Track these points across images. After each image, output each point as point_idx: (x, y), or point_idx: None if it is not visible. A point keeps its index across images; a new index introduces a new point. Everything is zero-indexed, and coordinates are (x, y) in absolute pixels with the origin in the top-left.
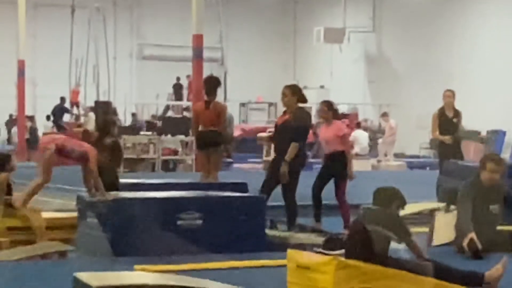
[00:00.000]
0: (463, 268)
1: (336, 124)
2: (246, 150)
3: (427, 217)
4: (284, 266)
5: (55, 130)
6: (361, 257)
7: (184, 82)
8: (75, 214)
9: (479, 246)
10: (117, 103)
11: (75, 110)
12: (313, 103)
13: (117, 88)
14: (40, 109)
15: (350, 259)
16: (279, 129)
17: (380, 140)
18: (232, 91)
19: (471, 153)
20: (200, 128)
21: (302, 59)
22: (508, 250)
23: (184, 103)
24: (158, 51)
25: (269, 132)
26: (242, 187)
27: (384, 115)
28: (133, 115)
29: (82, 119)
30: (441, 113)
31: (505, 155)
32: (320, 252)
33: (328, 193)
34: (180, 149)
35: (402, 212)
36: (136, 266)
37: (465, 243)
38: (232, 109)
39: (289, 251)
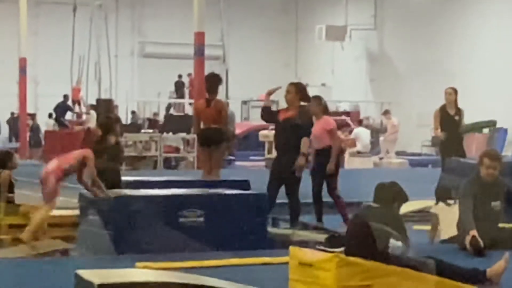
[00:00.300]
0: (466, 266)
1: (324, 119)
2: (248, 147)
3: (428, 215)
4: (286, 263)
5: (57, 128)
6: (362, 254)
7: (186, 80)
8: (77, 212)
9: (481, 243)
10: (119, 101)
11: (76, 108)
12: None
13: (118, 86)
14: (42, 107)
15: (350, 255)
16: (282, 125)
17: (382, 138)
18: (233, 89)
19: (473, 150)
20: (201, 126)
21: (303, 57)
22: (511, 247)
23: (187, 100)
24: (160, 49)
25: (271, 130)
26: (244, 184)
27: (386, 113)
28: (133, 113)
29: (84, 117)
30: (443, 110)
31: (507, 153)
32: (322, 250)
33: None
34: (182, 147)
35: (402, 210)
36: (138, 264)
37: (467, 240)
38: (234, 107)
39: (291, 248)
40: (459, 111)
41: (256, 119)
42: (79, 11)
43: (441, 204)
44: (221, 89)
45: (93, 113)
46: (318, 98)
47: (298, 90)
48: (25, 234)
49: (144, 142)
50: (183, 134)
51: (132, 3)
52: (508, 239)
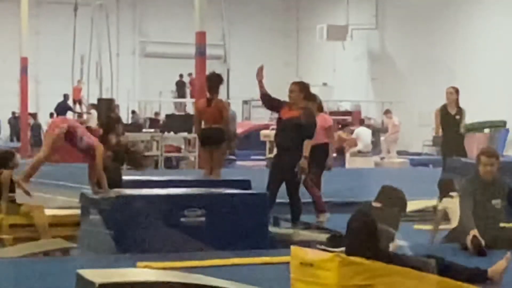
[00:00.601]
0: (467, 265)
1: (321, 116)
2: (249, 147)
3: (429, 215)
4: (288, 263)
5: None
6: (365, 252)
7: (187, 79)
8: (78, 211)
9: (483, 243)
10: (120, 100)
11: (77, 108)
12: None
13: (120, 86)
14: (43, 106)
15: (352, 253)
16: (284, 124)
17: (383, 138)
18: (234, 88)
19: (474, 150)
20: (202, 126)
21: (305, 56)
22: None
23: (188, 100)
24: (161, 49)
25: (272, 129)
26: (245, 184)
27: (387, 112)
28: (133, 112)
29: (84, 117)
30: (444, 109)
31: (508, 153)
32: (323, 249)
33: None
34: (183, 147)
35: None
36: (139, 263)
37: (468, 240)
38: (235, 107)
39: (292, 248)
40: (460, 111)
41: (257, 119)
42: (80, 10)
43: (445, 199)
44: (222, 88)
45: (94, 112)
46: (314, 96)
47: (302, 89)
48: (19, 176)
49: (145, 141)
50: (184, 134)
51: (133, 2)
52: (509, 239)
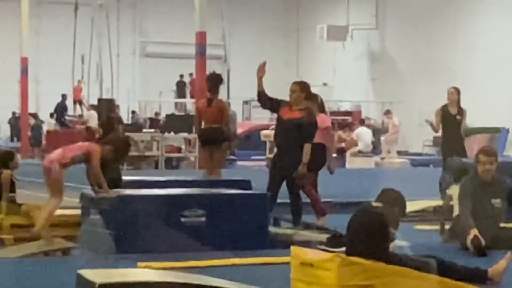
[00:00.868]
0: (467, 265)
1: (320, 117)
2: (249, 147)
3: (429, 215)
4: (288, 263)
5: (58, 127)
6: (366, 252)
7: (188, 80)
8: (78, 211)
9: (483, 242)
10: (120, 100)
11: (77, 108)
12: None
13: (120, 86)
14: (43, 106)
15: (352, 253)
16: (285, 124)
17: (383, 138)
18: (235, 88)
19: (475, 151)
20: (203, 126)
21: (305, 56)
22: None
23: (188, 100)
24: (161, 49)
25: (272, 129)
26: (245, 184)
27: (388, 112)
28: (133, 112)
29: (85, 117)
30: (444, 109)
31: (508, 153)
32: (323, 249)
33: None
34: (183, 147)
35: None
36: (139, 263)
37: (469, 240)
38: (235, 107)
39: (292, 248)
40: (461, 111)
41: (257, 119)
42: (81, 10)
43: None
44: (223, 88)
45: (93, 112)
46: (315, 96)
47: (303, 88)
48: (38, 225)
49: (145, 141)
50: (185, 134)
51: (134, 2)
52: (509, 239)
